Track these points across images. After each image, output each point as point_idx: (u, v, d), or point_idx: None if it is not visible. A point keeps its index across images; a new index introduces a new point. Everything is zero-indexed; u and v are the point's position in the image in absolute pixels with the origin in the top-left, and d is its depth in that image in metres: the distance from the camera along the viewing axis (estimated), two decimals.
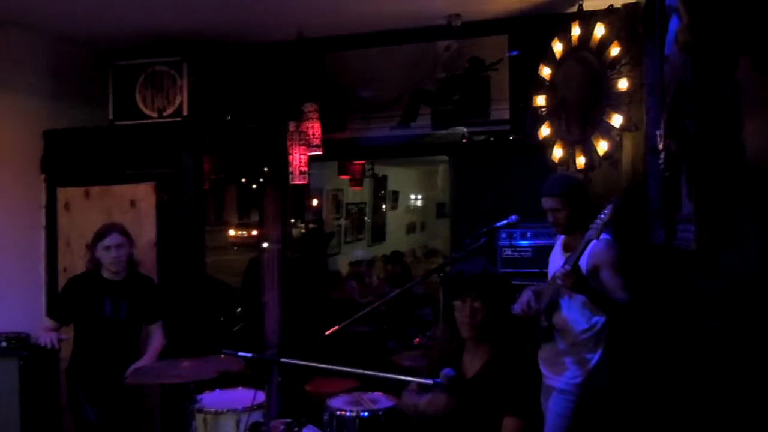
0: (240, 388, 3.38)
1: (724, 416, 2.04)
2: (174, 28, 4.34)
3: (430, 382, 2.14)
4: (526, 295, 3.01)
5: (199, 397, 3.13)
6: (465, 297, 2.31)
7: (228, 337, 5.14)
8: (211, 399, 3.22)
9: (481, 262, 2.48)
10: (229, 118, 4.63)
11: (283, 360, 2.42)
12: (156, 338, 3.73)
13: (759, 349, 1.65)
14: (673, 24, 2.62)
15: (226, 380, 3.17)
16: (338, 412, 3.14)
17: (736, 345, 1.91)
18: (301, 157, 4.52)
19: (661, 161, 2.84)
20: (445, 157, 5.91)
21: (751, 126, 1.72)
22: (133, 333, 3.69)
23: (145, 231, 4.18)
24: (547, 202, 3.04)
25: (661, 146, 2.83)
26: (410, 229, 10.94)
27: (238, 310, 5.53)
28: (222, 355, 2.90)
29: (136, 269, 3.76)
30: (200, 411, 3.07)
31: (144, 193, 4.22)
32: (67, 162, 4.42)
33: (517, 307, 2.96)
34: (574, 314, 2.96)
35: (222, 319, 5.23)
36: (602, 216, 2.73)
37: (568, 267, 2.73)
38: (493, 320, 2.31)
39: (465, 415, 2.32)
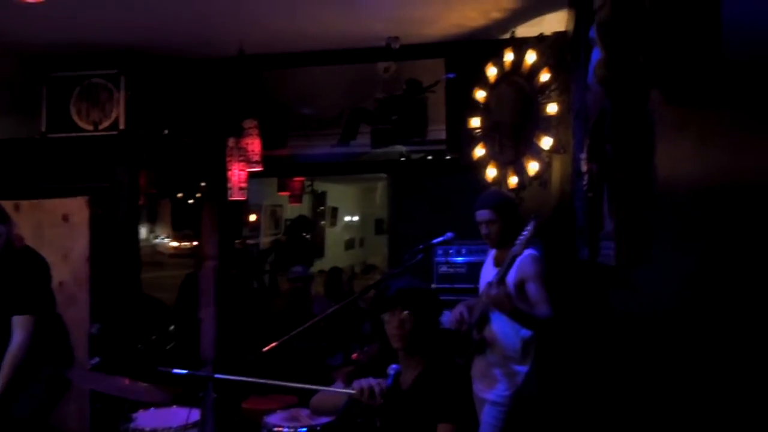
0: (175, 406, 3.33)
1: (648, 425, 2.17)
2: (111, 41, 4.29)
3: (353, 392, 2.20)
4: (459, 309, 3.10)
5: (133, 415, 3.08)
6: (393, 309, 2.39)
7: (161, 355, 5.04)
8: (145, 418, 3.16)
9: (407, 277, 2.57)
10: (166, 132, 4.60)
11: (216, 376, 2.42)
12: (13, 340, 3.06)
13: (673, 360, 1.78)
14: (595, 55, 2.79)
15: None
16: (276, 429, 3.14)
17: (654, 357, 2.04)
18: (241, 173, 4.53)
19: (584, 182, 3.01)
20: (384, 175, 6.01)
21: (661, 152, 1.87)
22: (4, 326, 3.13)
23: (78, 246, 4.08)
24: (481, 215, 3.16)
25: (584, 168, 3.00)
26: (349, 245, 10.98)
27: (171, 327, 5.42)
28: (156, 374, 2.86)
29: (12, 248, 3.18)
30: (135, 430, 3.02)
31: (77, 207, 4.11)
32: None
33: (449, 322, 3.05)
34: (503, 327, 3.07)
35: (154, 337, 5.12)
36: (525, 233, 2.86)
37: (494, 291, 2.80)
38: (421, 331, 2.39)
39: (400, 428, 2.38)
